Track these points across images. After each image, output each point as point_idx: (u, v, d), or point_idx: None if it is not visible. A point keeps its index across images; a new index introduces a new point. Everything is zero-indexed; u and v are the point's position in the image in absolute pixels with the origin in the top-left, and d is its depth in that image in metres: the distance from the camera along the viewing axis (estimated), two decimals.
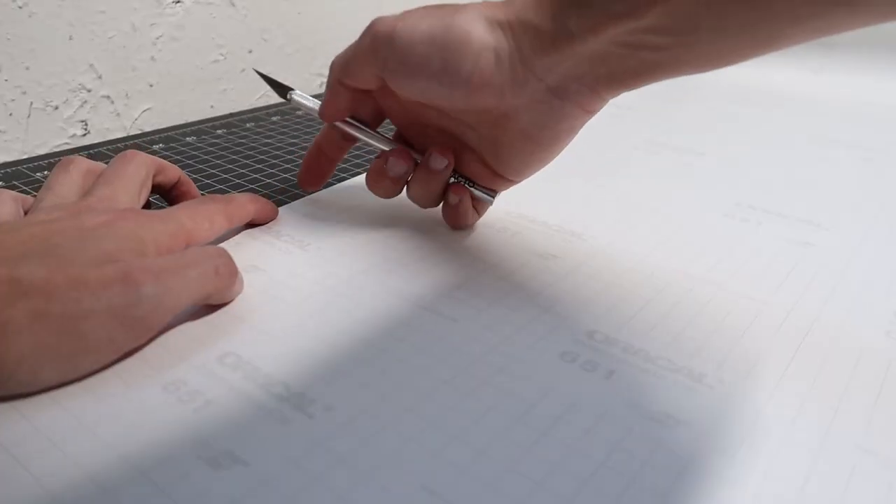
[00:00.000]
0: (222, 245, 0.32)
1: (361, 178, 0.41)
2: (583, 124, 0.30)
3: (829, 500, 0.19)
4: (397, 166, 0.33)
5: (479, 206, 0.34)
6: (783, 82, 0.70)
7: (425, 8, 0.29)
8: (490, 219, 0.36)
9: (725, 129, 0.54)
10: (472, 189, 0.33)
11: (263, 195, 0.39)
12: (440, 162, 0.32)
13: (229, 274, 0.27)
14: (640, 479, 0.19)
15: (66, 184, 0.29)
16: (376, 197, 0.35)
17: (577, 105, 0.28)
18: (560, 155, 0.31)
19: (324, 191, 0.40)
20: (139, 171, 0.30)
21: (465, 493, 0.19)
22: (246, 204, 0.33)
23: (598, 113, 0.29)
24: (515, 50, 0.27)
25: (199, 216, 0.29)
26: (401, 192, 0.34)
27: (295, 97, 0.35)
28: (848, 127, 0.56)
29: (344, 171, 0.44)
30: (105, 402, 0.22)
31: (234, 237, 0.33)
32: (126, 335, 0.23)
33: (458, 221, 0.34)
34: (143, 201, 0.31)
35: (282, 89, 0.35)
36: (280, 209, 0.36)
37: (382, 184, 0.33)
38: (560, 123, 0.29)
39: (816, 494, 0.19)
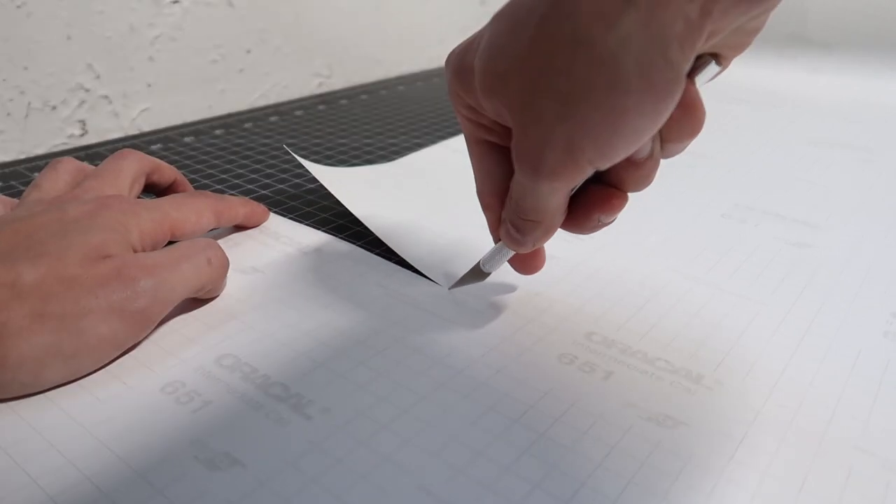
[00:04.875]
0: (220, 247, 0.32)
1: (362, 174, 0.40)
2: None
3: (828, 501, 0.19)
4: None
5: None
6: (782, 83, 0.70)
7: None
8: None
9: (724, 130, 0.54)
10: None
11: (261, 195, 0.39)
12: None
13: (221, 265, 0.27)
14: (639, 479, 0.19)
15: (54, 181, 0.28)
16: (375, 196, 0.34)
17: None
18: None
19: (318, 189, 0.40)
20: (131, 166, 0.30)
21: (462, 494, 0.19)
22: (237, 205, 0.33)
23: None
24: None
25: (185, 208, 0.29)
26: None
27: (489, 267, 0.27)
28: (846, 128, 0.56)
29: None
30: (103, 404, 0.22)
31: (232, 238, 0.33)
32: (127, 329, 0.23)
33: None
34: (133, 196, 0.30)
35: (477, 274, 0.27)
36: (278, 206, 0.36)
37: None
38: None
39: (814, 495, 0.19)
